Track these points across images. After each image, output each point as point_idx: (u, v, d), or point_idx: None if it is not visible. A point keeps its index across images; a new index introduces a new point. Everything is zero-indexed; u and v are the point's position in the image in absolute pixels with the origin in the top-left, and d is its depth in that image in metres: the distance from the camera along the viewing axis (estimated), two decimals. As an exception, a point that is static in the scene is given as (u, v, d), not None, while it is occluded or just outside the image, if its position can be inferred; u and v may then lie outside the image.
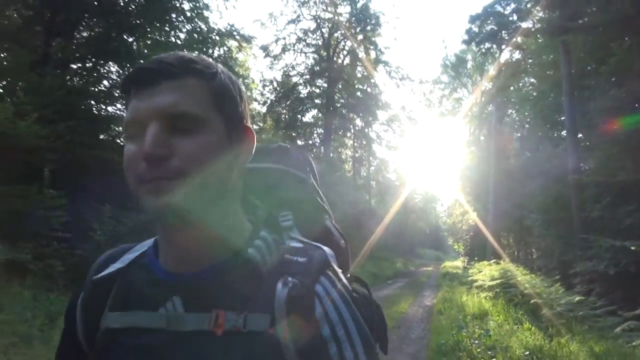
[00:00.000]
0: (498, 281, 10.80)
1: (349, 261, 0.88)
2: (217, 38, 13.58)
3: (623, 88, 10.95)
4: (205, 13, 12.75)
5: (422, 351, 5.59)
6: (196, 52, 0.73)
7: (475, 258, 22.48)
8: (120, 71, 9.77)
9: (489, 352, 5.07)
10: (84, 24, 9.38)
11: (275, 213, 0.79)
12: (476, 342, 5.47)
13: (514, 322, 7.35)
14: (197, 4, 11.93)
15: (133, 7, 9.67)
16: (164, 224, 0.64)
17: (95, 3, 9.19)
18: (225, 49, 15.67)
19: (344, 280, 0.68)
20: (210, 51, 12.63)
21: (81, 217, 6.17)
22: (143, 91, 0.62)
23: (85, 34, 9.56)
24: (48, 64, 8.34)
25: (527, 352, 5.12)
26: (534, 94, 22.76)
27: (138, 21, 9.79)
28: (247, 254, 0.66)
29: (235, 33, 15.44)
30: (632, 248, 8.41)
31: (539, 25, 16.32)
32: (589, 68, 13.48)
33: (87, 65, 9.36)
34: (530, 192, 17.20)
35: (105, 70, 9.86)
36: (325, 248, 0.70)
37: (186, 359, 0.62)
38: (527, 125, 24.68)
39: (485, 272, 12.32)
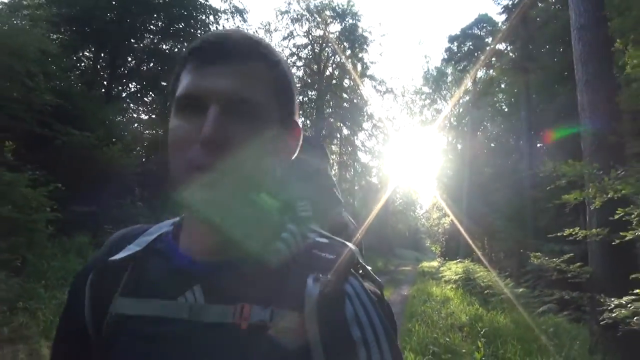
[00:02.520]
0: (461, 276, 13.73)
1: (362, 255, 0.87)
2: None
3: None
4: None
5: (399, 319, 8.41)
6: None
7: (447, 258, 25.41)
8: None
9: (442, 317, 7.90)
10: (139, 66, 11.98)
11: (293, 202, 0.79)
12: (436, 311, 8.32)
13: (468, 304, 10.20)
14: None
15: (175, 50, 12.29)
16: (203, 218, 0.62)
17: (146, 50, 11.79)
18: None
19: (372, 279, 0.68)
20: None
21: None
22: (206, 68, 0.60)
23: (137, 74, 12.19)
24: (110, 100, 10.93)
25: (468, 318, 7.96)
26: (505, 109, 25.93)
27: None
28: (274, 246, 0.65)
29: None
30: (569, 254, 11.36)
31: (503, 64, 19.29)
32: (541, 106, 16.46)
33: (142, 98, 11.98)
34: (497, 201, 20.25)
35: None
36: (351, 245, 0.68)
37: (207, 351, 0.60)
38: (498, 137, 27.79)
39: (452, 269, 15.29)
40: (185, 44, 12.70)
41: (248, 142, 0.59)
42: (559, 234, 5.84)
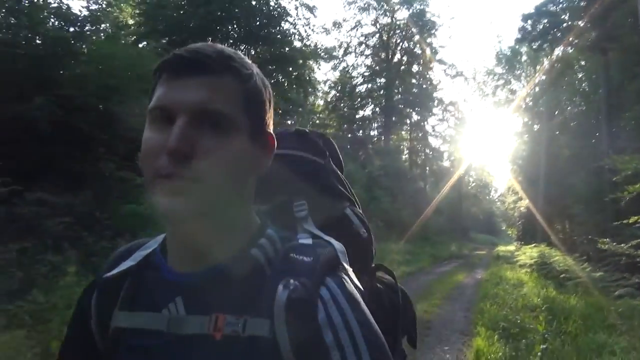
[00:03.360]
0: (536, 260, 13.98)
1: (372, 251, 0.90)
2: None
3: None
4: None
5: (473, 299, 9.07)
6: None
7: (524, 242, 25.15)
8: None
9: (514, 298, 8.49)
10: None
11: (290, 202, 0.80)
12: (508, 294, 8.91)
13: (542, 287, 10.60)
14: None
15: (253, 53, 13.40)
16: (173, 225, 0.65)
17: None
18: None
19: (354, 279, 0.67)
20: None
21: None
22: (176, 80, 0.61)
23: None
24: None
25: (540, 300, 8.47)
26: (586, 88, 24.94)
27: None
28: (250, 253, 0.66)
29: (311, 45, 18.67)
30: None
31: (581, 43, 18.75)
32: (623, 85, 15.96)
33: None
34: (575, 184, 19.82)
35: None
36: (336, 244, 0.69)
37: None
38: (576, 118, 26.75)
39: (527, 254, 15.50)
40: (266, 47, 13.80)
41: (214, 152, 0.60)
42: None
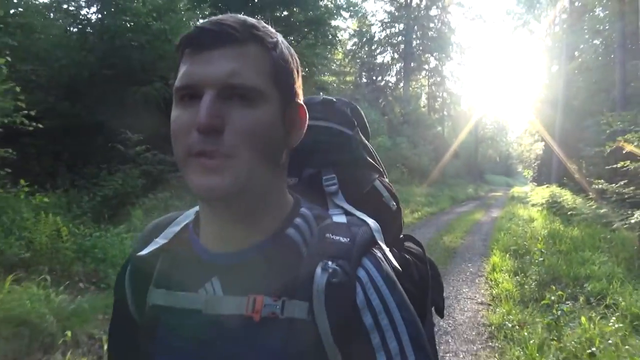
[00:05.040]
0: (547, 199, 15.76)
1: (401, 224, 0.91)
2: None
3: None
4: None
5: (490, 231, 10.98)
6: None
7: (539, 184, 26.82)
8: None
9: (524, 230, 10.34)
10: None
11: (319, 176, 0.81)
12: (520, 227, 10.77)
13: (550, 222, 12.41)
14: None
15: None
16: (209, 204, 0.66)
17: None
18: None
19: (391, 258, 0.68)
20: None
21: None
22: (200, 54, 0.61)
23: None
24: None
25: (546, 232, 10.30)
26: (607, 27, 25.57)
27: None
28: (286, 234, 0.67)
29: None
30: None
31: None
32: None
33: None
34: (590, 125, 21.11)
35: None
36: (371, 222, 0.70)
37: (223, 342, 0.64)
38: (594, 59, 27.52)
39: (539, 194, 17.29)
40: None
41: (245, 126, 0.59)
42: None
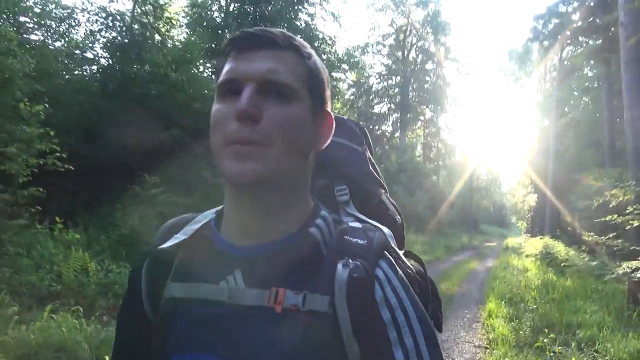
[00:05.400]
0: (540, 250, 16.16)
1: (404, 237, 0.94)
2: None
3: None
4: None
5: (485, 280, 11.31)
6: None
7: (532, 235, 27.19)
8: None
9: (518, 279, 10.68)
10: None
11: (331, 186, 0.85)
12: (514, 277, 11.11)
13: (543, 273, 12.76)
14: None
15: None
16: (240, 189, 0.68)
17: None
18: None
19: (404, 260, 0.73)
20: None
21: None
22: (243, 55, 0.68)
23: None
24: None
25: (540, 282, 10.65)
26: (595, 84, 26.74)
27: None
28: (309, 232, 0.71)
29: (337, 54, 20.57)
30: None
31: (586, 50, 20.65)
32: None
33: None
34: (580, 179, 21.79)
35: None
36: (384, 229, 0.75)
37: (245, 332, 0.66)
38: (584, 116, 28.56)
39: (533, 245, 17.71)
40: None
41: (279, 118, 0.65)
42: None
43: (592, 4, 20.48)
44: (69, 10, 9.80)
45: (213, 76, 11.59)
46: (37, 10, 9.09)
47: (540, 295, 8.33)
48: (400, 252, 0.74)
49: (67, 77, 8.89)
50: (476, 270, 14.10)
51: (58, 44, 9.77)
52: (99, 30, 9.58)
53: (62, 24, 9.75)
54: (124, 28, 9.13)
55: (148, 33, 8.81)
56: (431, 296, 0.84)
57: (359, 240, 0.69)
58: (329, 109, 0.77)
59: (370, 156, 0.97)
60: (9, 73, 5.91)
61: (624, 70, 9.03)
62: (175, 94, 8.54)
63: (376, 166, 0.97)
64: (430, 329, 0.66)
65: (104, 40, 9.45)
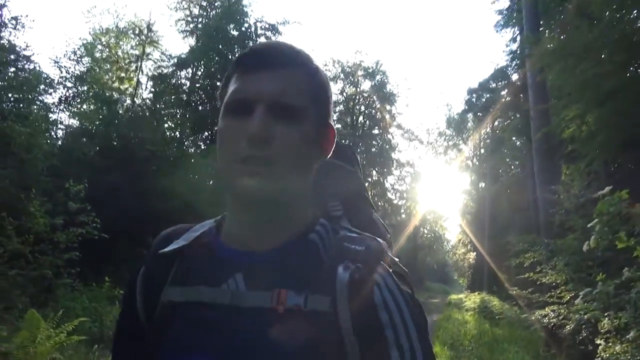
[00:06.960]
0: (478, 305, 18.36)
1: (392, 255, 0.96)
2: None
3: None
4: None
5: (431, 330, 13.15)
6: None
7: (472, 291, 29.52)
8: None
9: (459, 329, 12.60)
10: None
11: (325, 202, 0.88)
12: (455, 328, 13.05)
13: (480, 324, 14.78)
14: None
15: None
16: (249, 204, 0.72)
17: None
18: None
19: (400, 266, 0.79)
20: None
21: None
22: (253, 74, 0.72)
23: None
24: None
25: (476, 331, 12.62)
26: (524, 151, 30.07)
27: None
28: (309, 238, 0.76)
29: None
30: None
31: (510, 126, 23.95)
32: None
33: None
34: (511, 240, 24.34)
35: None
36: (380, 239, 0.77)
37: (247, 333, 0.69)
38: (516, 181, 31.85)
39: (472, 300, 19.96)
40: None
41: (287, 138, 0.70)
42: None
43: (518, 83, 24.03)
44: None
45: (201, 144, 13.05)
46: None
47: (476, 340, 10.25)
48: (396, 259, 0.80)
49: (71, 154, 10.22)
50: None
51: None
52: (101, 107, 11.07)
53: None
54: (126, 109, 10.70)
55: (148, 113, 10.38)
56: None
57: (357, 247, 0.73)
58: (331, 122, 0.83)
59: (361, 176, 1.04)
60: (35, 151, 7.37)
61: (535, 156, 11.48)
62: (173, 170, 9.90)
63: (365, 186, 1.05)
64: (422, 329, 0.71)
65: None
